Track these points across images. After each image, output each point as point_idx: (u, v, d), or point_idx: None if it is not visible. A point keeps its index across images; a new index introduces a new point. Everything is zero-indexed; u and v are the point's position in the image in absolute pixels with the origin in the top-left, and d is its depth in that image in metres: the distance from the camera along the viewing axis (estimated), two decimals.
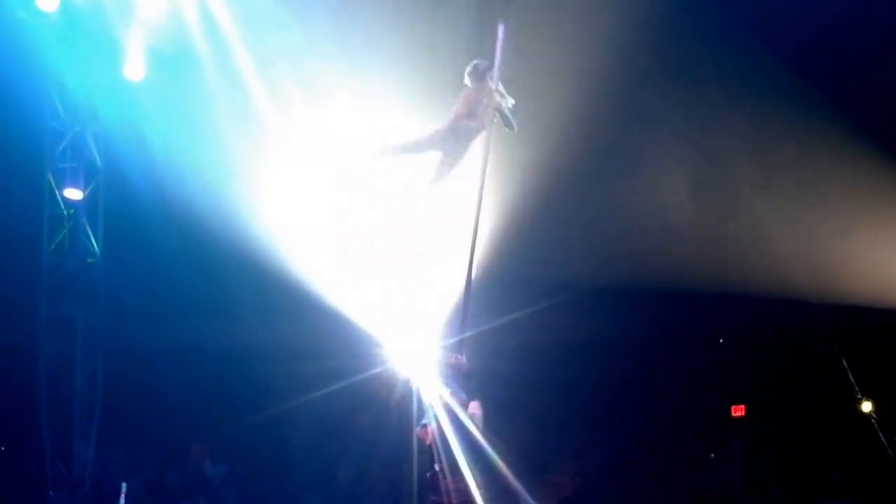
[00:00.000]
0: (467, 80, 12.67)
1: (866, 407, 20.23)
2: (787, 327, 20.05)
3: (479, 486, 11.49)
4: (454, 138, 12.68)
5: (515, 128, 12.82)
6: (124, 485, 16.18)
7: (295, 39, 16.83)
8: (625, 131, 18.53)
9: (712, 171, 18.88)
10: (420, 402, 13.48)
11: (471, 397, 11.86)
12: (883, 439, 19.80)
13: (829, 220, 18.71)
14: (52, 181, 17.95)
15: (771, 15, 17.75)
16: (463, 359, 12.04)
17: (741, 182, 18.95)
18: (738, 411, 21.93)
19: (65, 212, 17.97)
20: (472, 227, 12.55)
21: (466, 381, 11.96)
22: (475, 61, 12.73)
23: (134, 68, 17.58)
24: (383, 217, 16.01)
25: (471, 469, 11.92)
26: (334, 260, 16.79)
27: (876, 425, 20.03)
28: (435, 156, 12.88)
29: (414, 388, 14.60)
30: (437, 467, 11.75)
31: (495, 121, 12.62)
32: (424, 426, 11.86)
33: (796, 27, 17.70)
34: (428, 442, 11.85)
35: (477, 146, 12.61)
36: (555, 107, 17.21)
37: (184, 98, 17.44)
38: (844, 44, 17.80)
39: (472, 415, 11.74)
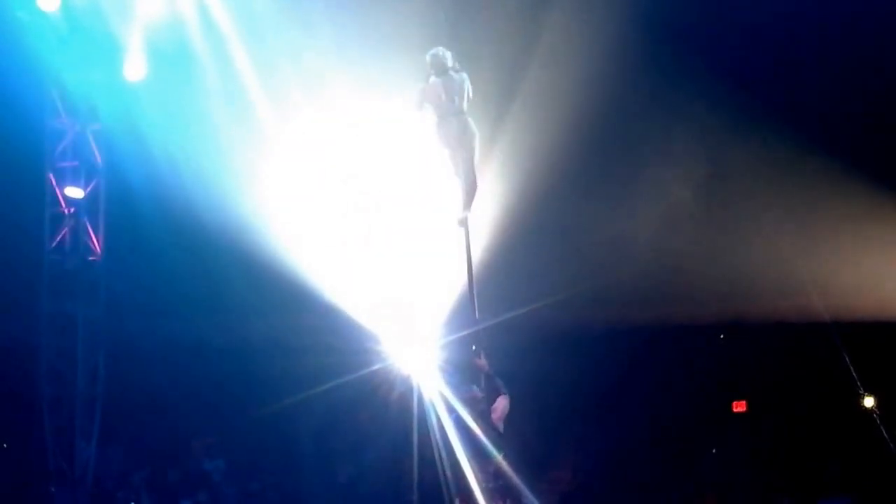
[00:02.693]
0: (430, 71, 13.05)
1: (868, 402, 20.24)
2: (789, 324, 20.07)
3: (479, 481, 11.61)
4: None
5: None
6: None
7: (293, 38, 16.89)
8: (630, 145, 18.67)
9: (717, 186, 19.00)
10: (420, 398, 13.55)
11: (495, 394, 12.08)
12: (885, 434, 19.81)
13: (827, 232, 18.83)
14: (52, 180, 18.02)
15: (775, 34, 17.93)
16: (483, 361, 12.24)
17: (743, 196, 19.08)
18: (740, 407, 21.95)
19: (66, 210, 18.03)
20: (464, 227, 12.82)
21: (488, 380, 12.16)
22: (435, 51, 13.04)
23: (134, 68, 17.65)
24: (382, 214, 16.11)
25: (471, 463, 12.05)
26: (334, 256, 16.85)
27: (878, 420, 20.04)
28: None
29: (414, 385, 14.64)
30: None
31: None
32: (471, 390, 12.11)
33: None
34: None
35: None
36: (558, 113, 17.33)
37: (183, 97, 17.49)
38: (860, 66, 17.93)
39: (494, 409, 11.96)
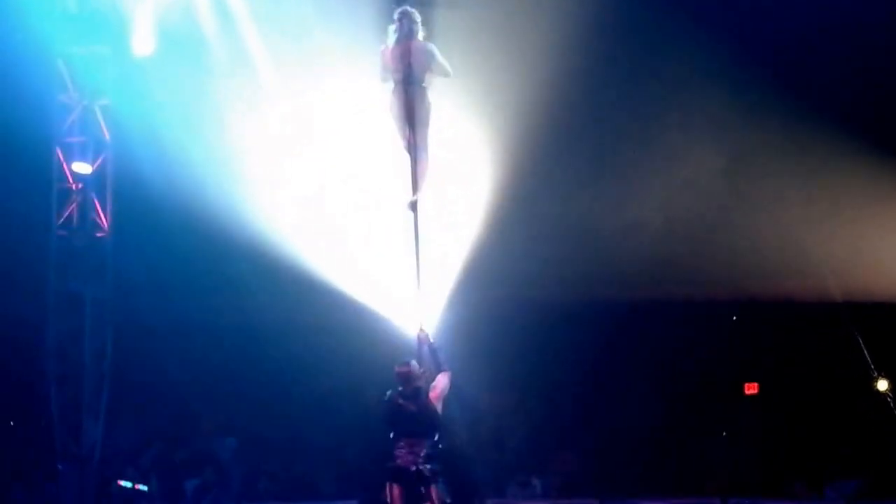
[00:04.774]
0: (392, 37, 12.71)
1: (882, 385, 20.12)
2: (803, 305, 19.94)
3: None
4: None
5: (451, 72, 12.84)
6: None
7: (304, 15, 16.77)
8: (646, 121, 18.51)
9: (732, 165, 18.87)
10: (429, 377, 13.41)
11: (438, 370, 11.83)
12: None
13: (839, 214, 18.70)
14: (60, 155, 17.93)
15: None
16: (426, 334, 12.08)
17: (758, 175, 18.96)
18: (752, 389, 21.82)
19: (73, 186, 17.94)
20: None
21: (432, 355, 11.95)
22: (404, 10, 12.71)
23: (142, 43, 17.55)
24: (387, 194, 15.96)
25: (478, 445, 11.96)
26: (341, 235, 16.75)
27: (892, 404, 19.92)
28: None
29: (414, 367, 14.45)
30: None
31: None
32: (408, 363, 11.82)
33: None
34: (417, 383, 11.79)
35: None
36: (567, 91, 17.16)
37: (192, 73, 17.41)
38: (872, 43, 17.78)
39: (434, 387, 11.72)
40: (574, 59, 16.87)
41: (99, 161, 18.04)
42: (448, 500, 12.05)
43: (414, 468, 11.33)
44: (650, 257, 18.76)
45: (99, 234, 18.10)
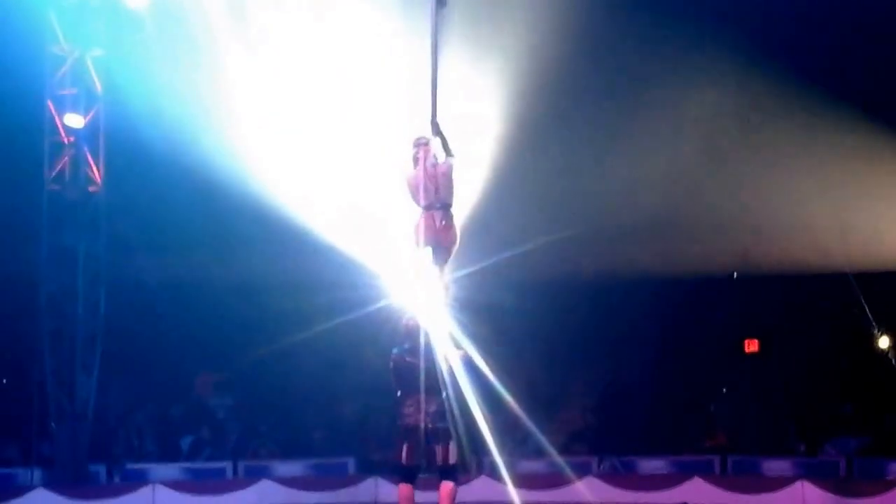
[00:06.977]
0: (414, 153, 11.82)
1: (883, 342, 20.10)
2: (804, 262, 19.88)
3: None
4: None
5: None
6: None
7: None
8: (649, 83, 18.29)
9: (739, 127, 18.70)
10: (426, 334, 13.24)
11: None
12: None
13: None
14: (52, 107, 17.62)
15: None
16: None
17: (764, 137, 18.80)
18: (752, 346, 21.80)
19: (65, 139, 17.65)
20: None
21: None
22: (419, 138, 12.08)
23: None
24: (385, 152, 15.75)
25: (478, 403, 11.75)
26: (339, 195, 16.58)
27: (893, 361, 19.92)
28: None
29: (421, 321, 14.30)
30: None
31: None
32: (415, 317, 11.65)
33: None
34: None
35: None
36: (569, 46, 16.92)
37: (186, 24, 17.11)
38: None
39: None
40: (579, 17, 16.62)
41: (91, 114, 17.74)
42: (456, 458, 11.81)
43: (423, 426, 11.14)
44: (652, 216, 18.64)
45: (92, 189, 17.84)
